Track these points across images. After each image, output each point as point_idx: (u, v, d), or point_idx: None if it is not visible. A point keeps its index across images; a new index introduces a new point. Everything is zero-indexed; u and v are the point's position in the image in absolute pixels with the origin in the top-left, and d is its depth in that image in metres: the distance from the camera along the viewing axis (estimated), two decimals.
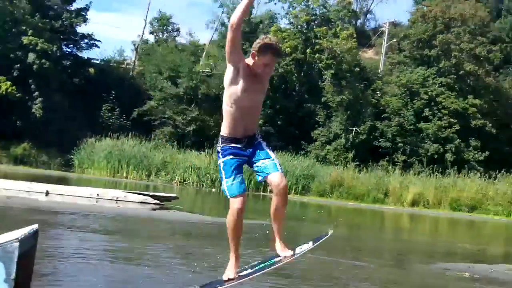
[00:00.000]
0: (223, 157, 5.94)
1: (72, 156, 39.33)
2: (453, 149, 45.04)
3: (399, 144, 45.86)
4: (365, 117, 46.90)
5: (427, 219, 29.12)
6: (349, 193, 34.11)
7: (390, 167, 40.58)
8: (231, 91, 5.90)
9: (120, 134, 39.38)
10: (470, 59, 48.65)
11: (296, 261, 11.26)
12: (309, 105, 48.68)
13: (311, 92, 49.66)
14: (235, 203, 5.81)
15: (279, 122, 47.86)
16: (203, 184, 34.33)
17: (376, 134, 46.60)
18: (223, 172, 5.92)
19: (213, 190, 33.06)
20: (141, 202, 19.63)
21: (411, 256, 14.55)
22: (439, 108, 46.74)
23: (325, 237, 6.19)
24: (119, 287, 7.80)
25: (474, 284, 10.45)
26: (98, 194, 19.85)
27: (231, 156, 5.91)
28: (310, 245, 6.08)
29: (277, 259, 6.01)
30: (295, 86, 49.80)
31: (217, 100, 46.94)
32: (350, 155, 44.15)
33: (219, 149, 6.01)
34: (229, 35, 5.80)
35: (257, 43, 5.91)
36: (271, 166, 5.85)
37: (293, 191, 34.36)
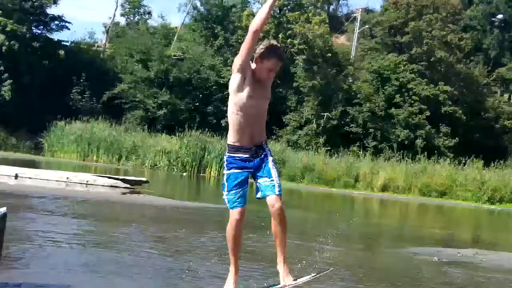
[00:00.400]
0: (228, 170, 5.97)
1: (41, 139, 38.92)
2: (424, 135, 45.38)
3: (370, 129, 46.06)
4: (336, 102, 47.03)
5: (397, 204, 29.35)
6: (320, 178, 34.22)
7: (361, 152, 40.78)
8: (237, 98, 5.86)
9: (90, 117, 39.08)
10: (442, 46, 48.94)
11: (266, 244, 11.33)
12: (280, 90, 48.62)
13: (282, 77, 49.62)
14: (233, 215, 5.90)
15: None
16: (174, 169, 34.15)
17: (347, 119, 46.75)
18: (225, 184, 5.96)
19: (184, 174, 32.96)
20: (111, 186, 19.51)
21: (380, 240, 14.67)
22: (410, 95, 46.97)
23: (327, 271, 6.34)
24: (88, 271, 7.74)
25: (442, 268, 10.57)
26: (67, 178, 19.69)
27: (236, 170, 5.94)
28: (311, 276, 6.13)
29: (279, 286, 6.04)
30: None
31: (189, 84, 46.85)
32: (321, 140, 44.28)
33: (225, 158, 6.03)
34: (249, 42, 5.77)
35: (261, 48, 5.87)
36: (270, 188, 5.87)
37: None
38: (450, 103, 47.08)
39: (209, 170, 34.31)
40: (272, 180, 5.87)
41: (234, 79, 5.88)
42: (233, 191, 5.91)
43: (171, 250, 9.81)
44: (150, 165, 34.64)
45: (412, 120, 45.77)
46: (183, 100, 46.30)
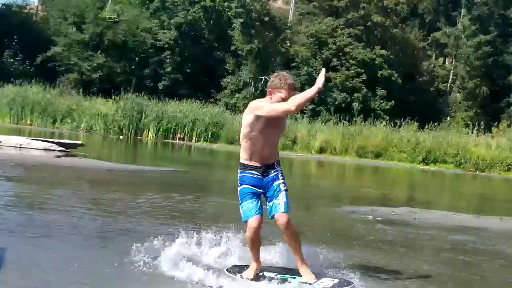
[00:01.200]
0: (240, 185, 6.32)
1: None
2: (360, 98, 45.92)
3: None
4: (274, 66, 47.01)
5: (334, 166, 29.69)
6: None
7: (299, 115, 40.92)
8: (248, 131, 6.22)
9: (24, 81, 38.07)
10: (378, 11, 49.36)
11: (202, 204, 11.36)
12: (218, 53, 48.38)
13: (220, 40, 49.33)
14: (250, 224, 6.19)
15: (188, 70, 47.40)
16: (110, 132, 33.71)
17: None
18: (239, 198, 6.32)
19: (121, 137, 32.59)
20: (46, 149, 19.11)
21: (318, 200, 14.82)
22: (347, 58, 47.37)
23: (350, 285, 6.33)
24: (21, 233, 7.58)
25: (376, 226, 10.75)
26: (0, 141, 19.20)
27: (248, 186, 6.27)
28: (335, 281, 6.29)
29: (301, 279, 6.28)
30: (204, 33, 49.28)
31: (124, 47, 46.12)
32: None
33: (238, 175, 6.36)
34: (277, 113, 6.08)
35: (272, 80, 6.24)
36: (278, 208, 6.22)
37: (202, 139, 34.34)
38: (386, 66, 47.67)
39: (146, 133, 33.99)
40: (279, 200, 6.23)
41: (247, 118, 6.20)
42: (247, 203, 6.23)
43: (106, 211, 9.69)
44: (86, 129, 34.09)
45: (349, 83, 46.23)
46: (119, 63, 45.59)
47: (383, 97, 46.69)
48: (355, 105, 45.40)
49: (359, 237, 9.74)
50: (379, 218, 11.60)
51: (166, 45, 46.67)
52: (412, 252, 8.81)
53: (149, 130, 34.02)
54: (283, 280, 6.21)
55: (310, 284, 6.15)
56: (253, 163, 6.28)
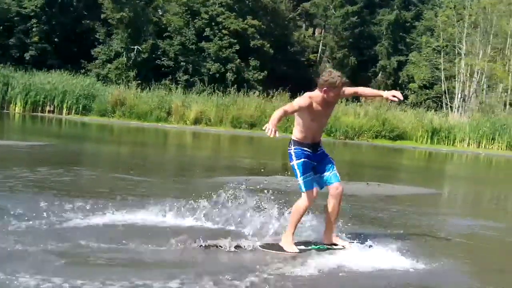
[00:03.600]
0: (297, 159, 7.00)
1: None
2: (234, 68, 46.13)
3: (182, 63, 46.02)
4: (146, 35, 46.35)
5: (209, 137, 29.75)
6: (132, 113, 33.80)
7: (173, 85, 40.69)
8: (300, 118, 6.98)
9: None
10: None
11: (74, 177, 11.06)
12: (88, 21, 46.99)
13: (89, 8, 47.91)
14: (310, 195, 6.97)
15: (56, 39, 45.81)
16: None
17: (159, 53, 46.32)
18: (297, 172, 6.98)
19: None
20: None
21: (193, 170, 14.80)
22: (219, 28, 47.36)
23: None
24: None
25: (248, 194, 10.83)
26: None
27: (305, 159, 6.99)
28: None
29: (338, 247, 7.16)
30: (72, 1, 47.68)
31: None
32: (132, 73, 43.58)
33: (292, 152, 7.05)
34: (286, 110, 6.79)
35: (325, 80, 6.96)
36: (334, 177, 7.09)
37: (73, 111, 33.45)
38: (258, 37, 48.07)
39: (13, 106, 32.73)
40: (335, 171, 7.12)
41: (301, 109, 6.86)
42: (307, 174, 6.96)
43: None
44: None
45: (223, 53, 46.29)
46: None
47: (256, 68, 47.15)
48: (229, 75, 45.60)
49: (230, 205, 9.77)
50: (252, 187, 11.71)
51: (32, 13, 44.80)
52: (282, 217, 8.93)
53: (16, 103, 32.75)
54: (322, 249, 7.01)
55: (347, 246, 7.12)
56: (307, 142, 7.00)
